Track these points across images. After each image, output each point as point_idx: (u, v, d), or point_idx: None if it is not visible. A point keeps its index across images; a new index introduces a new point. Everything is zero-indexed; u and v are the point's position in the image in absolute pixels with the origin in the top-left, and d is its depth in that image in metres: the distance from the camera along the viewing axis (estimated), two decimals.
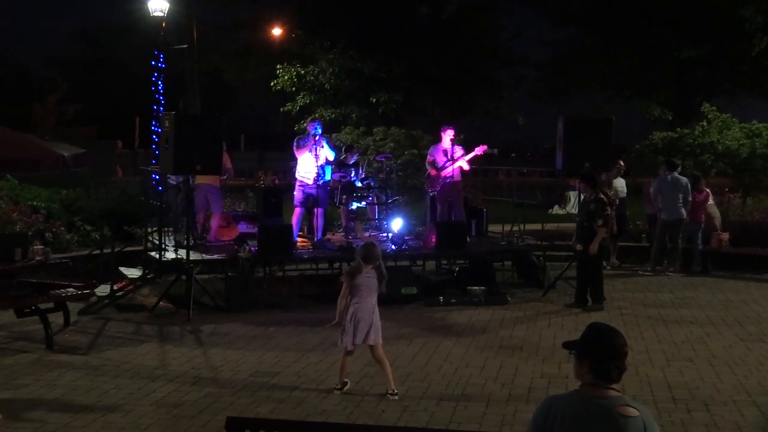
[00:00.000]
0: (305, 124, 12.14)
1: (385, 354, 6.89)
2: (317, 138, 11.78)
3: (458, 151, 12.30)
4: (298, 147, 11.87)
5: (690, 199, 12.95)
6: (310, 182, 11.86)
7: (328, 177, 12.20)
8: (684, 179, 13.03)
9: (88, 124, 35.14)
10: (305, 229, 12.89)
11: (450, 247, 11.77)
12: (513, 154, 43.44)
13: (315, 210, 12.18)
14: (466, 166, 12.33)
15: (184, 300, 9.82)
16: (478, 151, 12.30)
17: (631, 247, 14.34)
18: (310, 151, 11.75)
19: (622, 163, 14.02)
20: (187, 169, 10.29)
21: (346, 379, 6.93)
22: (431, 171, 12.46)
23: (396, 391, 6.75)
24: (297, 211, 12.12)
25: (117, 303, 10.35)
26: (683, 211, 12.89)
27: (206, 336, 8.98)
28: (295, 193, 12.09)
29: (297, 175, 12.05)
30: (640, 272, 13.26)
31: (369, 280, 6.74)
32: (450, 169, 12.23)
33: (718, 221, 13.68)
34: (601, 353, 3.16)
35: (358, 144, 17.26)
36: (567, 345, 3.31)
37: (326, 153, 11.90)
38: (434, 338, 8.77)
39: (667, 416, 6.30)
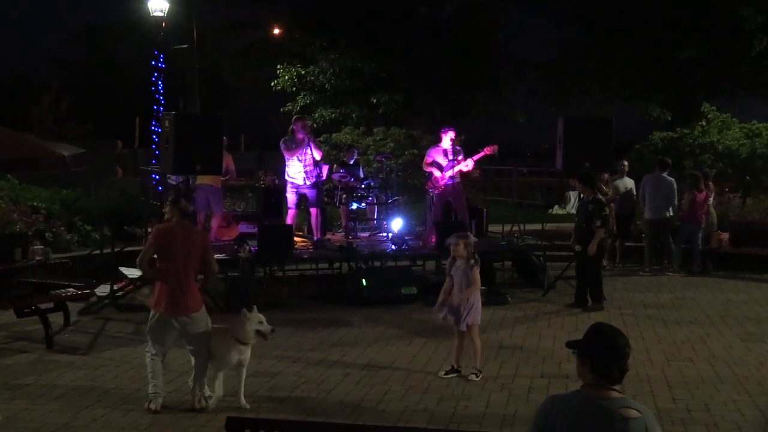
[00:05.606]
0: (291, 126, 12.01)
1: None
2: (306, 139, 11.74)
3: (458, 153, 12.16)
4: (288, 149, 11.81)
5: (675, 200, 12.98)
6: (301, 183, 11.85)
7: (324, 176, 12.17)
8: (670, 179, 13.05)
9: (85, 122, 34.99)
10: (305, 229, 12.87)
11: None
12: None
13: (311, 210, 12.16)
14: (465, 168, 12.19)
15: None
16: (488, 150, 12.17)
17: (631, 247, 14.34)
18: (300, 152, 11.72)
19: (626, 163, 14.02)
20: (187, 169, 10.28)
21: None
22: (432, 171, 12.29)
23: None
24: (291, 213, 12.09)
25: (117, 303, 10.35)
26: (666, 211, 12.91)
27: None
28: (287, 195, 12.07)
29: (287, 177, 12.00)
30: (640, 272, 13.26)
31: None
32: (452, 170, 12.15)
33: (714, 220, 13.70)
34: (602, 354, 3.16)
35: (358, 144, 17.27)
36: (570, 344, 3.31)
37: (314, 153, 11.87)
38: (434, 338, 8.76)
39: (667, 416, 6.30)
